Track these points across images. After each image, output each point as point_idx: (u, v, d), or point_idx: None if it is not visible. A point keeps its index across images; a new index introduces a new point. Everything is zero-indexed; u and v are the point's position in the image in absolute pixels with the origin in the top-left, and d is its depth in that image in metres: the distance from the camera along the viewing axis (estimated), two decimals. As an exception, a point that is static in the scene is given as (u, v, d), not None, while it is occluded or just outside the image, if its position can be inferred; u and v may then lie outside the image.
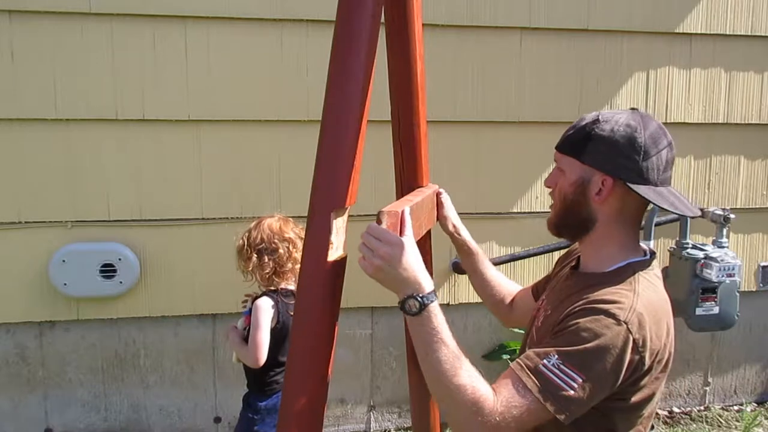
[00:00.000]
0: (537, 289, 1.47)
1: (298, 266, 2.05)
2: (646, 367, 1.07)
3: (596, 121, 1.16)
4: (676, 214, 1.17)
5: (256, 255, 2.02)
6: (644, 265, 1.17)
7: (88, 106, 2.44)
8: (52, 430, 2.66)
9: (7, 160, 2.43)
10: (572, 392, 1.01)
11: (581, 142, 1.16)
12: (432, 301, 1.05)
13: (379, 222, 1.09)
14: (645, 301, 1.09)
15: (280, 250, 2.02)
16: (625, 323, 1.03)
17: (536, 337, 1.22)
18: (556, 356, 1.02)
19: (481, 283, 1.59)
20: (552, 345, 1.06)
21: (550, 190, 1.26)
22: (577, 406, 1.02)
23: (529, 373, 1.03)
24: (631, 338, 1.03)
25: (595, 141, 1.15)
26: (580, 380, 1.01)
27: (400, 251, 1.06)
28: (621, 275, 1.14)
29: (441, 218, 1.57)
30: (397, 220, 1.11)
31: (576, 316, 1.07)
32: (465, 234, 1.57)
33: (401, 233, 1.11)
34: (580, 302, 1.10)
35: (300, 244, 2.07)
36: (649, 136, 1.14)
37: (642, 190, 1.13)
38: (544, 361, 1.03)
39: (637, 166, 1.13)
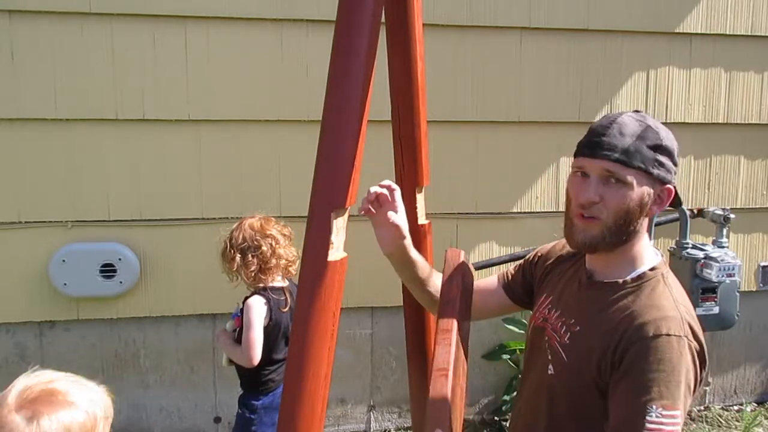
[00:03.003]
0: (510, 286, 1.39)
1: (283, 262, 2.06)
2: (707, 362, 1.11)
3: (649, 128, 1.11)
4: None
5: (239, 255, 2.02)
6: (663, 266, 1.16)
7: (88, 106, 2.44)
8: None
9: (7, 160, 2.43)
10: (678, 427, 1.02)
11: (649, 153, 1.10)
12: None
13: None
14: (683, 306, 1.10)
15: (263, 247, 2.02)
16: (685, 337, 1.06)
17: (567, 357, 1.16)
18: (654, 406, 1.02)
19: (434, 289, 1.39)
20: (637, 394, 1.04)
21: (587, 203, 1.10)
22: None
23: None
24: (693, 346, 1.07)
25: (662, 151, 1.11)
26: (679, 412, 1.03)
27: None
28: (649, 282, 1.14)
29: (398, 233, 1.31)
30: None
31: (639, 351, 1.06)
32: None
33: None
34: (630, 330, 1.07)
35: (283, 241, 2.07)
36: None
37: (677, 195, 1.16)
38: (647, 418, 1.02)
39: (676, 170, 1.16)
